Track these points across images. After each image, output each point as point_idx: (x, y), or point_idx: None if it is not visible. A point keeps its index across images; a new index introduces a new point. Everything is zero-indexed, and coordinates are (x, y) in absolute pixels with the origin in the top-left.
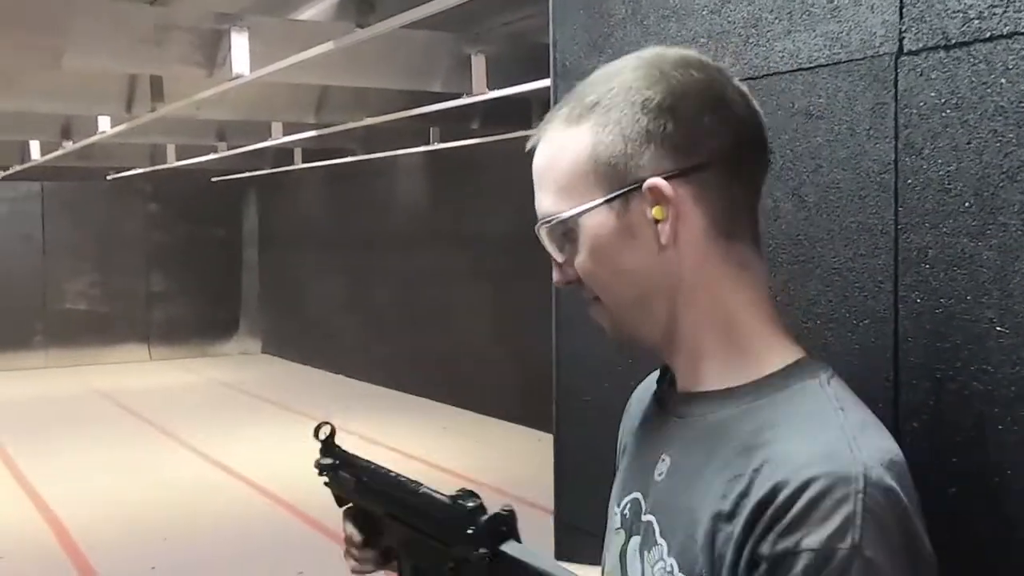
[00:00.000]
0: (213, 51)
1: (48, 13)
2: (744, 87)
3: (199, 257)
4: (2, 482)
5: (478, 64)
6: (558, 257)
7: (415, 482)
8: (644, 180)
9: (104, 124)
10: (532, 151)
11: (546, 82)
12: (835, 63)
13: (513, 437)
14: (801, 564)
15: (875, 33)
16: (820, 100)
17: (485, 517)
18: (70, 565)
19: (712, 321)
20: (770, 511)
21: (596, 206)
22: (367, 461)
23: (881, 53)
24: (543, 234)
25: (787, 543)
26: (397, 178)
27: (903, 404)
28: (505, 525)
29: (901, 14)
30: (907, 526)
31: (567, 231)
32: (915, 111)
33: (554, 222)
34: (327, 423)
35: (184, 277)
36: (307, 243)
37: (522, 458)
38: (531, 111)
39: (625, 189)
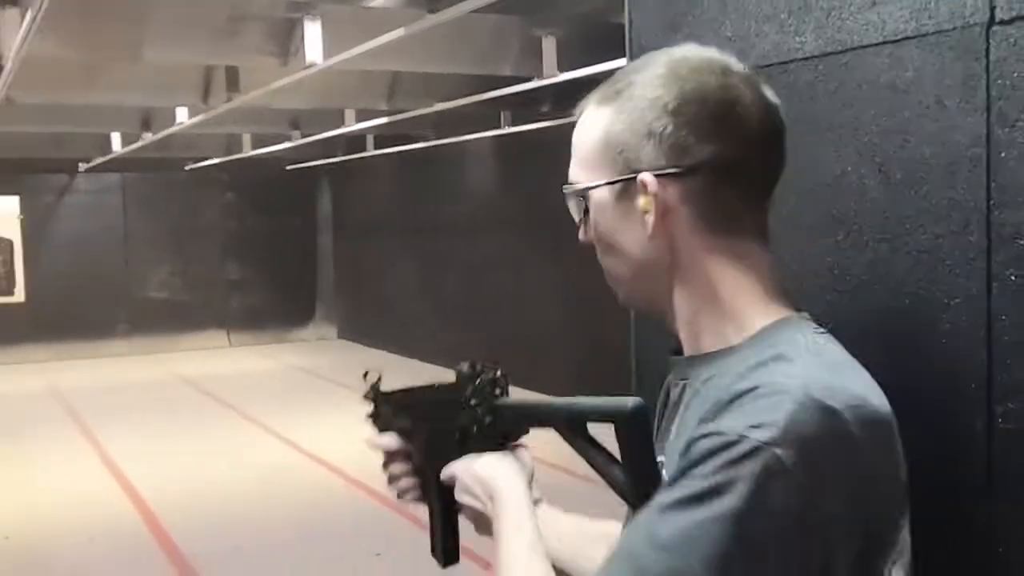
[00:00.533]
0: (287, 40)
1: (127, 7)
2: (770, 95)
3: (275, 245)
4: (91, 466)
5: (548, 46)
6: (577, 220)
7: (435, 384)
8: (639, 172)
9: (182, 115)
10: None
11: (618, 62)
12: (923, 35)
13: None
14: (708, 443)
15: (965, 3)
16: (907, 73)
17: (477, 384)
18: (156, 546)
19: (704, 299)
20: (716, 407)
21: (601, 185)
22: (402, 388)
23: (971, 23)
24: (567, 198)
25: (709, 427)
26: (468, 163)
27: (997, 384)
28: (498, 386)
29: None
30: (842, 458)
31: (582, 200)
32: (1008, 82)
33: (571, 190)
34: (374, 372)
35: (261, 265)
36: (380, 229)
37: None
38: None
39: (624, 177)
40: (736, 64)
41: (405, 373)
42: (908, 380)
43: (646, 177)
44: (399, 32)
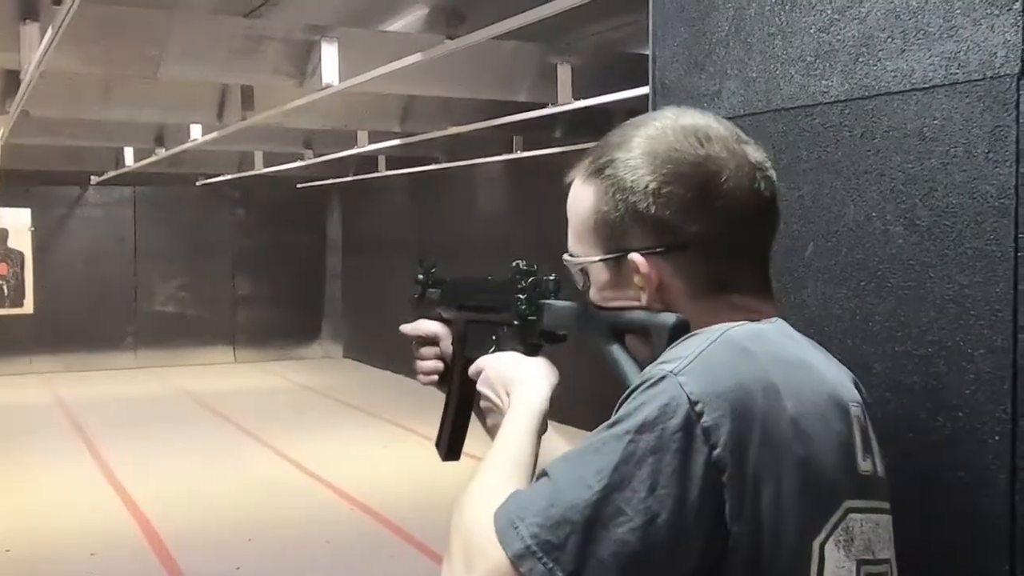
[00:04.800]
0: (303, 62)
1: (147, 25)
2: (757, 154)
3: (284, 262)
4: (94, 480)
5: (564, 74)
6: (579, 285)
7: (489, 276)
8: (630, 251)
9: (196, 132)
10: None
11: (632, 92)
12: (952, 83)
13: None
14: (633, 385)
15: (995, 53)
16: (935, 122)
17: (529, 280)
18: (158, 563)
19: None
20: None
21: (595, 261)
22: (456, 276)
23: (1002, 74)
24: (568, 265)
25: None
26: (479, 185)
27: (1021, 437)
28: (547, 287)
29: None
30: (751, 401)
31: (581, 270)
32: None
33: (570, 263)
34: (432, 258)
35: (269, 282)
36: (389, 249)
37: None
38: (613, 121)
39: (615, 256)
40: (717, 127)
41: (409, 394)
42: (929, 430)
43: (636, 258)
44: (416, 57)
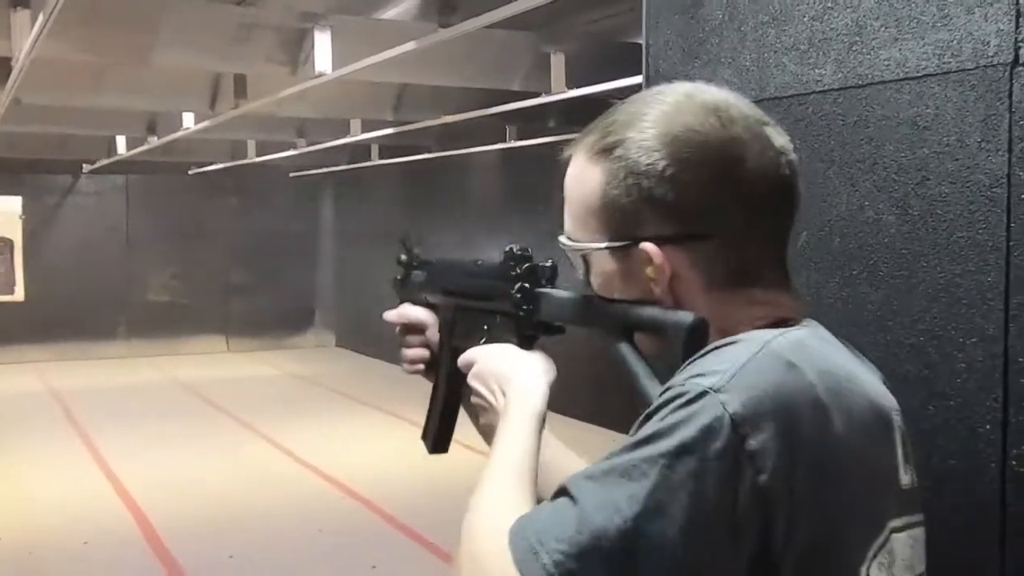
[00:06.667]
0: (296, 50)
1: (139, 12)
2: (780, 138)
3: (276, 251)
4: (86, 469)
5: (557, 63)
6: (578, 271)
7: (479, 260)
8: (642, 239)
9: (188, 120)
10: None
11: (626, 81)
12: (945, 72)
13: (589, 438)
14: (661, 399)
15: (988, 42)
16: (928, 110)
17: (524, 267)
18: (150, 552)
19: (717, 335)
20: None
21: (600, 248)
22: (441, 258)
23: (995, 63)
24: (565, 250)
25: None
26: (472, 174)
27: (1012, 425)
28: (543, 274)
29: (1017, 23)
30: (797, 418)
31: (581, 256)
32: None
33: (570, 248)
34: (414, 236)
35: (262, 270)
36: (382, 238)
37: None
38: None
39: (624, 243)
40: (738, 106)
41: (402, 383)
42: (921, 419)
43: (649, 247)
44: (410, 45)
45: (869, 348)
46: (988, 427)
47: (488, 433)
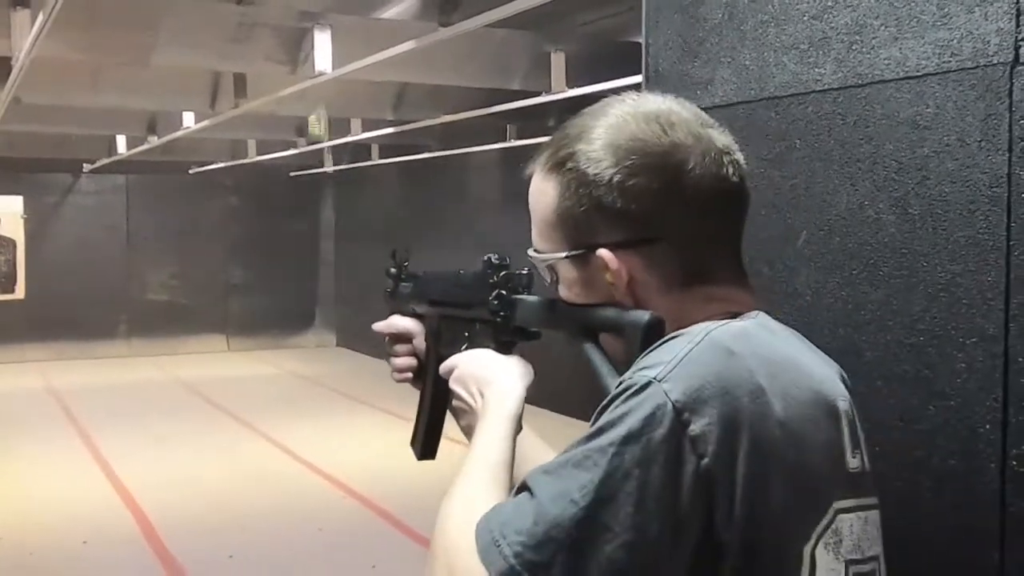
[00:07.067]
0: (296, 49)
1: (139, 12)
2: (723, 138)
3: (277, 250)
4: (86, 468)
5: (557, 62)
6: (546, 281)
7: (461, 270)
8: (597, 246)
9: (188, 120)
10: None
11: (625, 80)
12: (945, 72)
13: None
14: (613, 393)
15: (989, 41)
16: (928, 110)
17: (501, 275)
18: (150, 551)
19: (672, 329)
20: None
21: (561, 258)
22: (427, 270)
23: (995, 62)
24: (532, 260)
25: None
26: (472, 173)
27: (1012, 425)
28: (519, 282)
29: (1017, 22)
30: (736, 404)
31: (547, 266)
32: None
33: (535, 259)
34: (404, 249)
35: (262, 270)
36: (382, 237)
37: None
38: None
39: (581, 251)
40: (679, 112)
41: (401, 384)
42: (920, 418)
43: (604, 253)
44: (409, 44)
45: (869, 348)
46: (988, 427)
47: (469, 433)
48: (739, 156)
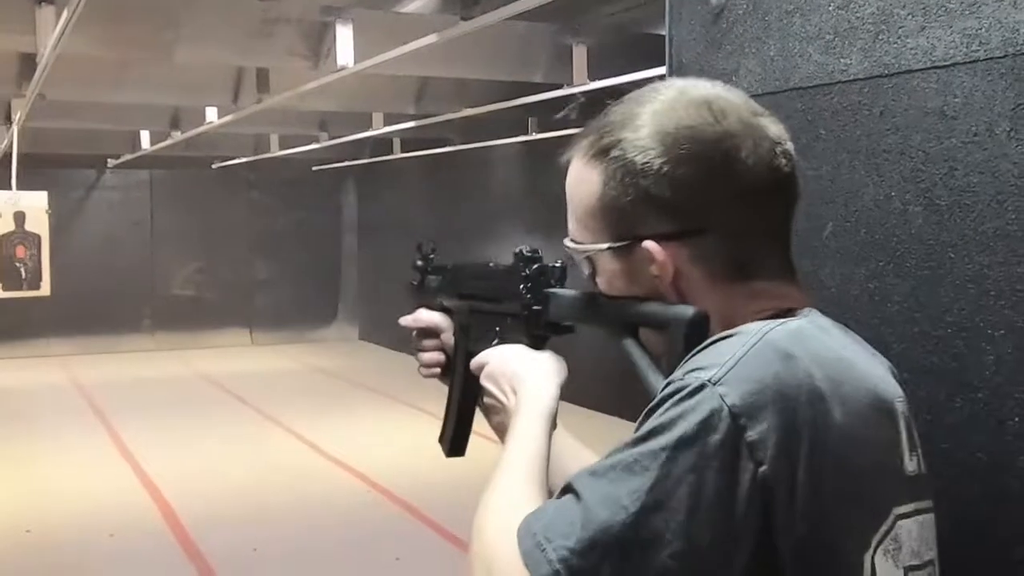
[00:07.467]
0: (318, 43)
1: (162, 8)
2: (773, 131)
3: (300, 245)
4: (112, 462)
5: (579, 55)
6: (584, 273)
7: (491, 263)
8: (643, 238)
9: (211, 115)
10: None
11: (648, 72)
12: (973, 61)
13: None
14: (660, 394)
15: (1018, 30)
16: (956, 100)
17: (533, 268)
18: (176, 544)
19: (717, 328)
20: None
21: (603, 249)
22: (456, 262)
23: None
24: (571, 252)
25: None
26: (494, 167)
27: None
28: (552, 275)
29: None
30: (795, 408)
31: (586, 257)
32: None
33: (574, 251)
34: (430, 241)
35: (285, 264)
36: (404, 231)
37: None
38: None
39: (626, 243)
40: (730, 99)
41: (424, 378)
42: (948, 412)
43: (651, 245)
44: (431, 38)
45: (895, 340)
46: (1016, 420)
47: (501, 432)
48: (790, 146)
